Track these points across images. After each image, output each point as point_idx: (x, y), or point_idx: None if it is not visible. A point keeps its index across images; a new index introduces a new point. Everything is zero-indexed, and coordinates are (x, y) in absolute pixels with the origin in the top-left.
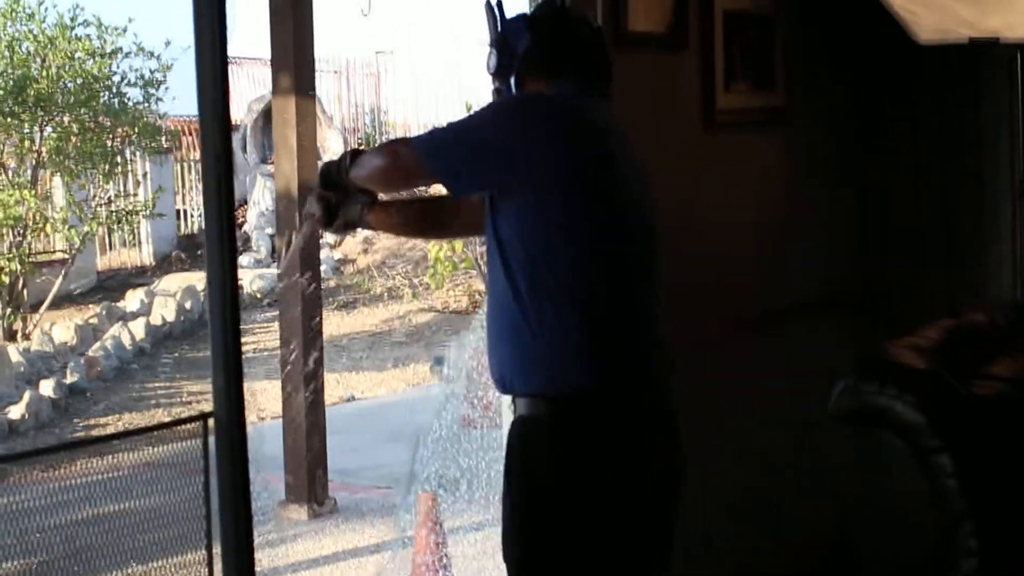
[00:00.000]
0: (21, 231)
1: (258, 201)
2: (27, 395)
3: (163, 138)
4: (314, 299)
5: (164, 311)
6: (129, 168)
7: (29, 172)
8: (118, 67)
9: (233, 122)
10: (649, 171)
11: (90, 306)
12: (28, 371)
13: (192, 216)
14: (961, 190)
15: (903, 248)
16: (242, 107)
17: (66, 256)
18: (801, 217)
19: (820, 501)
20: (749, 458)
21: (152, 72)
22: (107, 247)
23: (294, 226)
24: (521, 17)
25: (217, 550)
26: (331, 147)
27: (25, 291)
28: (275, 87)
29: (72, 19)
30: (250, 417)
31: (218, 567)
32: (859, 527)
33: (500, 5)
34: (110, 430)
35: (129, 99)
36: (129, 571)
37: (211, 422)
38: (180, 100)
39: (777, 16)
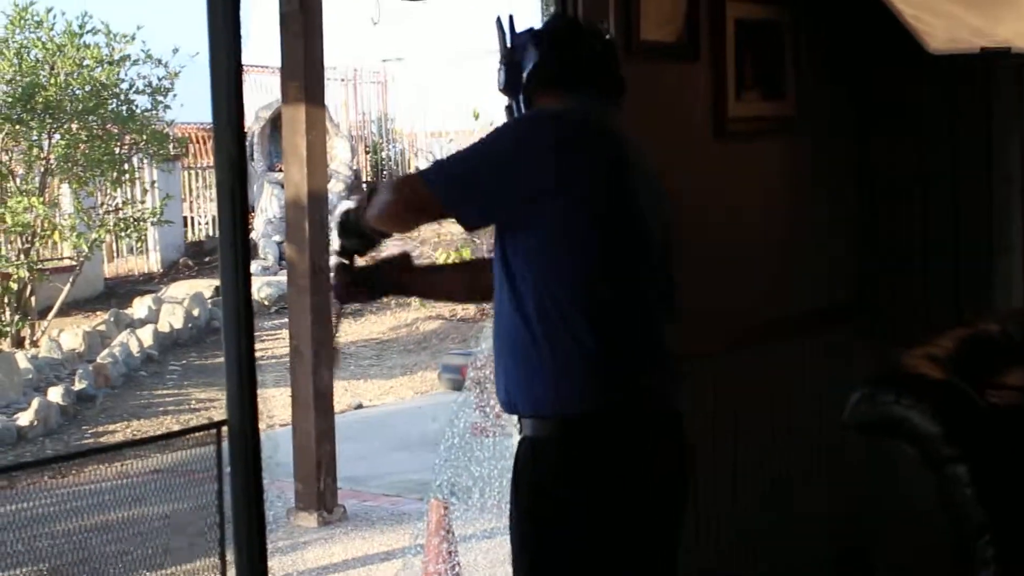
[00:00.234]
0: (29, 238)
1: (266, 208)
2: (36, 402)
3: (171, 145)
4: (323, 306)
5: (172, 318)
6: (137, 175)
7: (37, 179)
8: (126, 74)
9: None
10: (662, 182)
11: (98, 313)
12: (36, 378)
13: (199, 223)
14: (970, 199)
15: (912, 257)
16: (250, 115)
17: (74, 263)
18: (810, 226)
19: (833, 510)
20: (760, 467)
21: (160, 79)
22: (115, 254)
23: (304, 234)
24: (529, 32)
25: (230, 557)
26: (339, 155)
27: (33, 298)
28: (285, 95)
29: (80, 26)
30: (260, 424)
31: (231, 574)
32: (874, 537)
33: (511, 21)
34: (118, 437)
35: (137, 106)
36: None
37: (224, 430)
38: (188, 107)
39: (788, 25)
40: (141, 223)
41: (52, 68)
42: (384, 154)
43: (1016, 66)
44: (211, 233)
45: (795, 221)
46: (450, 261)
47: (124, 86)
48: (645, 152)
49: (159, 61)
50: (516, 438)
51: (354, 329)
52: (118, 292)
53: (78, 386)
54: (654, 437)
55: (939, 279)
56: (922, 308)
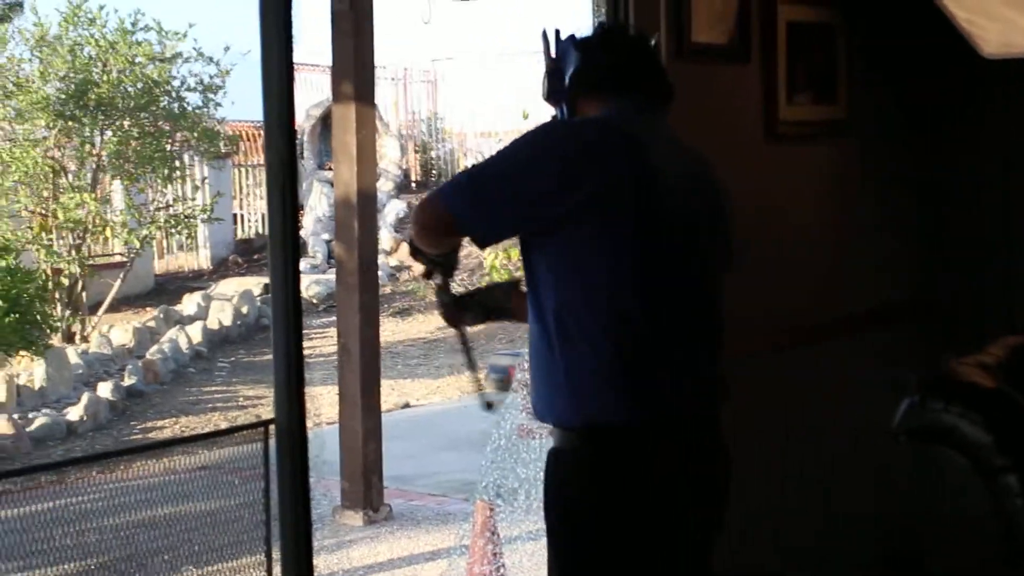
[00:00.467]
0: (81, 234)
1: (315, 207)
2: (85, 397)
3: (222, 143)
4: (372, 305)
5: (221, 315)
6: (187, 172)
7: (89, 176)
8: (178, 72)
9: None
10: (720, 188)
11: (148, 309)
12: (86, 373)
13: (249, 221)
14: (1023, 205)
15: (964, 263)
16: (300, 113)
17: (125, 259)
18: (861, 228)
19: (881, 514)
20: (806, 468)
21: (211, 77)
22: (165, 251)
23: (353, 232)
24: (570, 39)
25: (276, 555)
26: (388, 154)
27: (84, 294)
28: (335, 94)
29: (133, 24)
30: (307, 422)
31: (276, 571)
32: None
33: (556, 34)
34: (167, 433)
35: (188, 104)
36: (186, 574)
37: (272, 428)
38: (239, 105)
39: (840, 28)
40: (191, 220)
41: (105, 65)
42: (433, 153)
43: None
44: (261, 230)
45: (846, 224)
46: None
47: (176, 83)
48: (696, 156)
49: (210, 59)
50: None
51: (401, 328)
52: (168, 288)
53: (127, 382)
54: (679, 448)
55: (991, 285)
56: (974, 314)
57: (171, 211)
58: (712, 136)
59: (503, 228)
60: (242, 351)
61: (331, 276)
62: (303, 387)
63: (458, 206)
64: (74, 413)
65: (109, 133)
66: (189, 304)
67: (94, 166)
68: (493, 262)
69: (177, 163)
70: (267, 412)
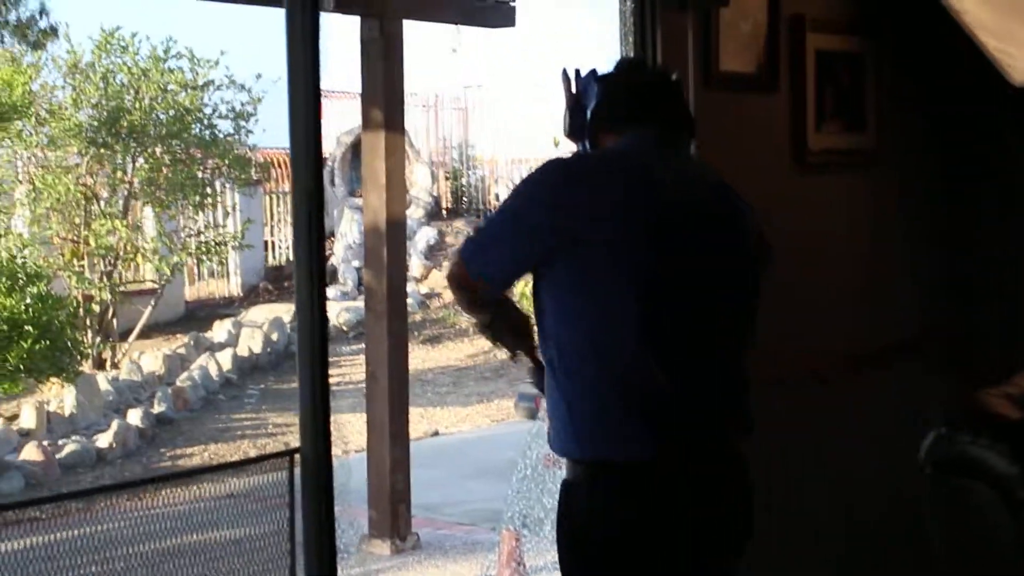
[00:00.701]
0: (112, 260)
1: (345, 234)
2: (115, 424)
3: (253, 170)
4: (400, 333)
5: (251, 342)
6: (219, 199)
7: (121, 202)
8: (209, 99)
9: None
10: (745, 218)
11: (178, 336)
12: (116, 400)
13: (280, 248)
14: None
15: (992, 294)
16: (331, 140)
17: (155, 286)
18: (890, 259)
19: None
20: (834, 503)
21: (243, 104)
22: (196, 277)
23: (382, 260)
24: (590, 74)
25: None
26: (419, 181)
27: (115, 320)
28: (365, 122)
29: (165, 51)
30: (335, 450)
31: None
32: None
33: (577, 74)
34: (196, 460)
35: (220, 131)
36: None
37: (297, 457)
38: (270, 132)
39: (869, 56)
40: (222, 247)
41: (137, 92)
42: (464, 180)
43: None
44: (291, 258)
45: (875, 253)
46: None
47: (207, 111)
48: (716, 188)
49: (242, 86)
50: None
51: (432, 356)
52: (198, 315)
53: (157, 409)
54: (682, 481)
55: (1020, 316)
56: (1003, 346)
57: (202, 238)
58: (741, 165)
59: (506, 266)
60: (272, 378)
61: (361, 303)
62: (328, 417)
63: (468, 253)
64: (104, 440)
65: (141, 160)
66: (219, 331)
67: (126, 193)
68: (524, 290)
69: (208, 190)
70: (296, 440)
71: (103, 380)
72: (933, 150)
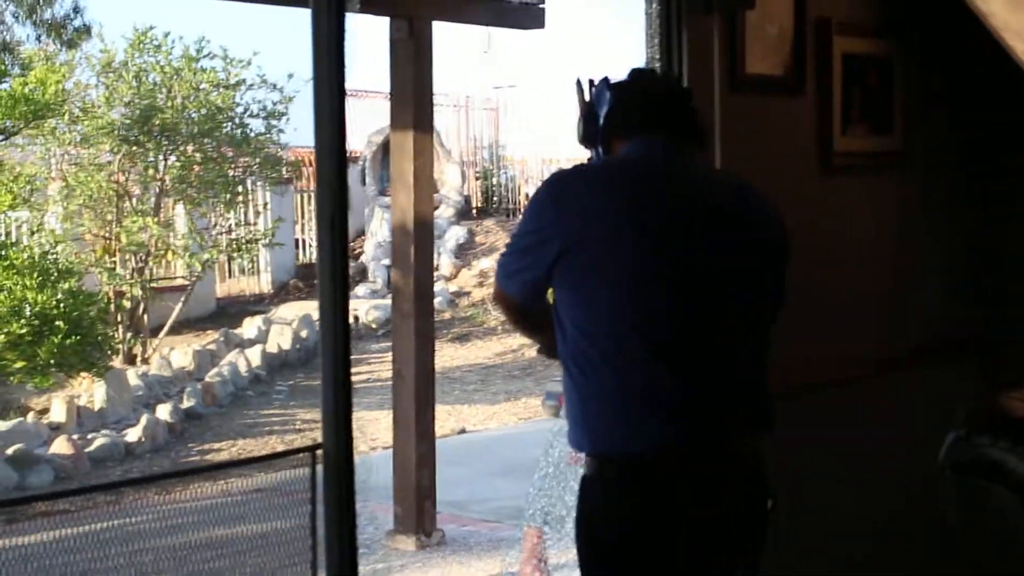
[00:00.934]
0: (143, 257)
1: (375, 232)
2: (144, 419)
3: (284, 169)
4: (427, 331)
5: (280, 339)
6: (250, 197)
7: (153, 200)
8: (241, 98)
9: (353, 154)
10: (762, 220)
11: (208, 332)
12: (146, 395)
13: (310, 246)
14: None
15: (1020, 297)
16: (362, 139)
17: (186, 283)
18: (916, 262)
19: (933, 551)
20: (860, 505)
21: (275, 104)
22: (227, 274)
23: (409, 259)
24: (603, 82)
25: None
26: (449, 181)
27: (146, 316)
28: (393, 121)
29: (198, 51)
30: (362, 447)
31: None
32: None
33: (591, 82)
34: (224, 456)
35: (251, 130)
36: None
37: (319, 452)
38: (301, 131)
39: (896, 59)
40: (253, 244)
41: (169, 91)
42: (495, 180)
43: None
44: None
45: (903, 256)
46: None
47: (239, 110)
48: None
49: (274, 86)
50: None
51: (460, 354)
52: (229, 312)
53: (186, 404)
54: (696, 481)
55: None
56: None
57: (233, 235)
58: (766, 167)
59: (529, 282)
60: (300, 375)
61: (390, 301)
62: (350, 412)
63: (501, 278)
64: (133, 434)
65: (173, 158)
66: (249, 328)
67: (157, 190)
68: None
69: (239, 188)
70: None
71: (133, 375)
72: (961, 153)
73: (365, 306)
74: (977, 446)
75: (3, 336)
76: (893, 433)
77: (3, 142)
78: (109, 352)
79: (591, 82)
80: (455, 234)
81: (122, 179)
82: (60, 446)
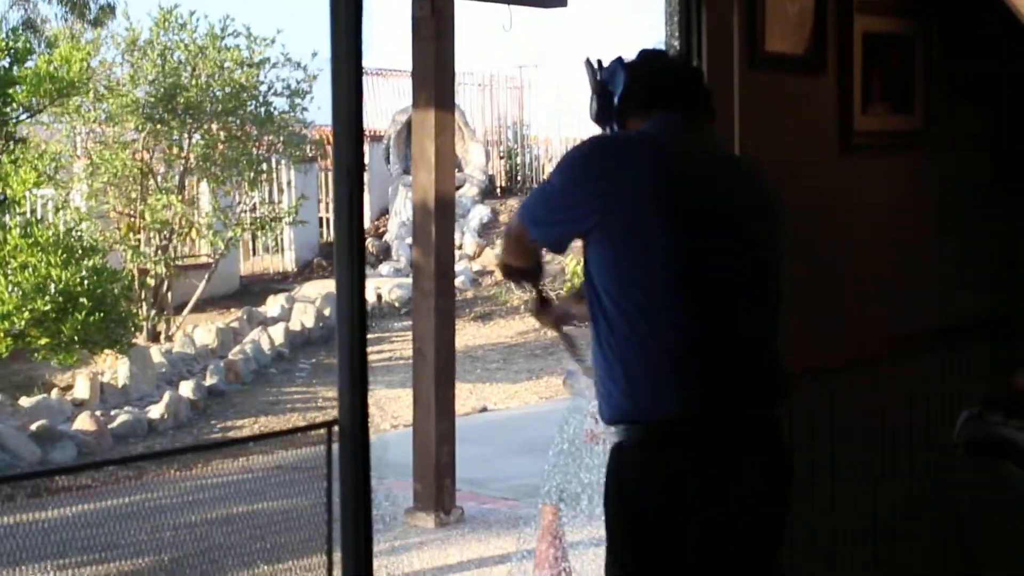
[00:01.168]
0: (167, 235)
1: (399, 211)
2: (167, 395)
3: (307, 147)
4: (447, 310)
5: (304, 317)
6: (274, 176)
7: (177, 178)
8: (265, 77)
9: (378, 133)
10: (770, 195)
11: (232, 310)
12: (169, 372)
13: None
14: None
15: None
16: (386, 118)
17: (210, 260)
18: (939, 241)
19: (947, 530)
20: (876, 485)
21: (298, 82)
22: (250, 252)
23: (430, 238)
24: (616, 62)
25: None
26: (473, 160)
27: (169, 294)
28: (415, 100)
29: (223, 29)
30: (383, 425)
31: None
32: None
33: (600, 63)
34: (245, 433)
35: (275, 108)
36: (257, 571)
37: (336, 429)
38: (325, 110)
39: (917, 39)
40: (276, 223)
41: (194, 70)
42: (519, 159)
43: None
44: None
45: (923, 236)
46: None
47: (263, 88)
48: (743, 167)
49: (298, 64)
50: None
51: (482, 332)
52: (252, 290)
53: (209, 381)
54: (733, 446)
55: None
56: None
57: (257, 214)
58: (785, 145)
59: (555, 235)
60: (323, 353)
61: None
62: (366, 390)
63: (527, 218)
64: (156, 411)
65: (197, 136)
66: (273, 305)
67: (181, 168)
68: (575, 268)
69: (263, 166)
70: None
71: (156, 352)
72: (981, 133)
73: (388, 284)
74: (990, 425)
75: (28, 313)
76: (908, 412)
77: (29, 120)
78: (133, 329)
79: (600, 62)
80: (479, 213)
81: (146, 157)
82: (83, 422)
